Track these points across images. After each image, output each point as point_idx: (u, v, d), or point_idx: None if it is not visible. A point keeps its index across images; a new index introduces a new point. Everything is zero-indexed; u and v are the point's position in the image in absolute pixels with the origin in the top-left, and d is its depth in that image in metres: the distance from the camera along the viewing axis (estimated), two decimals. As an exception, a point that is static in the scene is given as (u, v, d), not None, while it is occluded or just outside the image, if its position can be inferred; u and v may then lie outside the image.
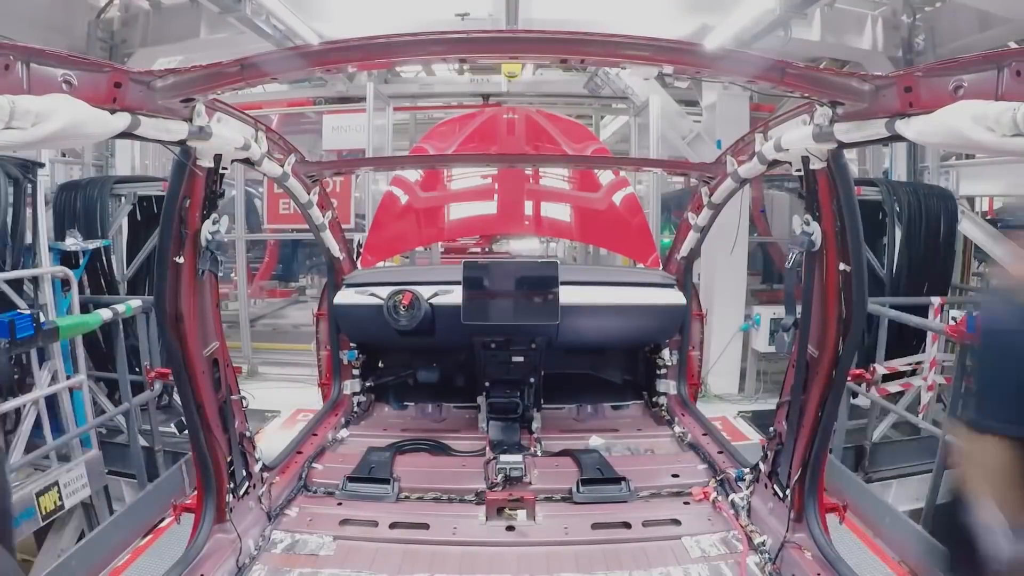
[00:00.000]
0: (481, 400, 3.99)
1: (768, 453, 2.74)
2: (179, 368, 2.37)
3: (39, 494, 4.30)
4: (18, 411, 4.60)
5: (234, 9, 5.85)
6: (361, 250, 4.71)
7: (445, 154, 5.23)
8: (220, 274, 2.50)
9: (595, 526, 2.84)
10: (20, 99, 1.39)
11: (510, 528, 2.83)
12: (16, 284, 4.84)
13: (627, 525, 2.85)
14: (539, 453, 3.58)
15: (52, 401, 4.74)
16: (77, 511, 4.88)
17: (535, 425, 3.91)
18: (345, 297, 3.94)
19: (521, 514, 2.90)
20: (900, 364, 5.82)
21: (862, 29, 7.26)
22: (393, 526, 2.84)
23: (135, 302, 5.12)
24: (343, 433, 3.86)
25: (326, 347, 4.21)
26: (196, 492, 2.56)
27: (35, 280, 5.03)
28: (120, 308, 4.89)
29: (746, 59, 1.94)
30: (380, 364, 4.36)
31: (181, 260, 2.25)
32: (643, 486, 3.12)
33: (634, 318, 4.01)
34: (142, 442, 5.06)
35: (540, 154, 5.05)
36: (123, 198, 6.72)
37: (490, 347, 3.86)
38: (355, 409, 4.19)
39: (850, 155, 2.56)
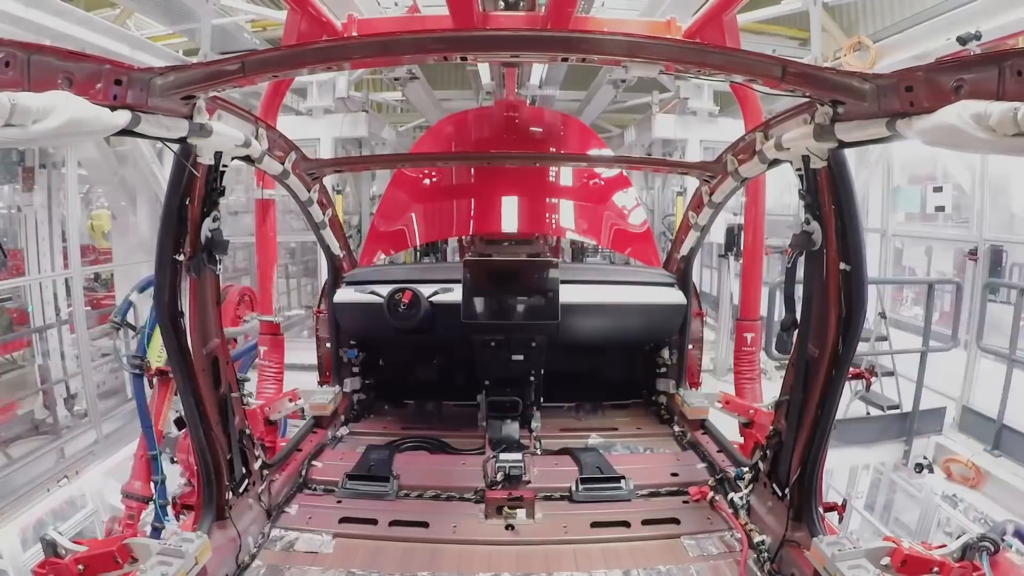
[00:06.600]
0: (481, 398, 3.98)
1: (767, 452, 2.74)
2: (179, 365, 2.38)
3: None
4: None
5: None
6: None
7: (446, 153, 5.22)
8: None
9: (594, 525, 2.84)
10: (20, 96, 1.38)
11: (509, 527, 2.83)
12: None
13: (626, 524, 2.85)
14: (539, 451, 3.59)
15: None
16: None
17: (535, 423, 3.91)
18: (345, 295, 3.94)
19: (520, 513, 2.90)
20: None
21: None
22: (393, 524, 2.84)
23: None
24: (343, 431, 3.86)
25: (326, 345, 4.21)
26: (196, 489, 2.56)
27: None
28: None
29: (747, 57, 1.93)
30: (380, 362, 4.36)
31: (181, 258, 2.25)
32: (642, 485, 3.12)
33: (634, 317, 4.01)
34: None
35: (541, 153, 5.04)
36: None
37: (490, 345, 3.85)
38: (355, 407, 4.19)
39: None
